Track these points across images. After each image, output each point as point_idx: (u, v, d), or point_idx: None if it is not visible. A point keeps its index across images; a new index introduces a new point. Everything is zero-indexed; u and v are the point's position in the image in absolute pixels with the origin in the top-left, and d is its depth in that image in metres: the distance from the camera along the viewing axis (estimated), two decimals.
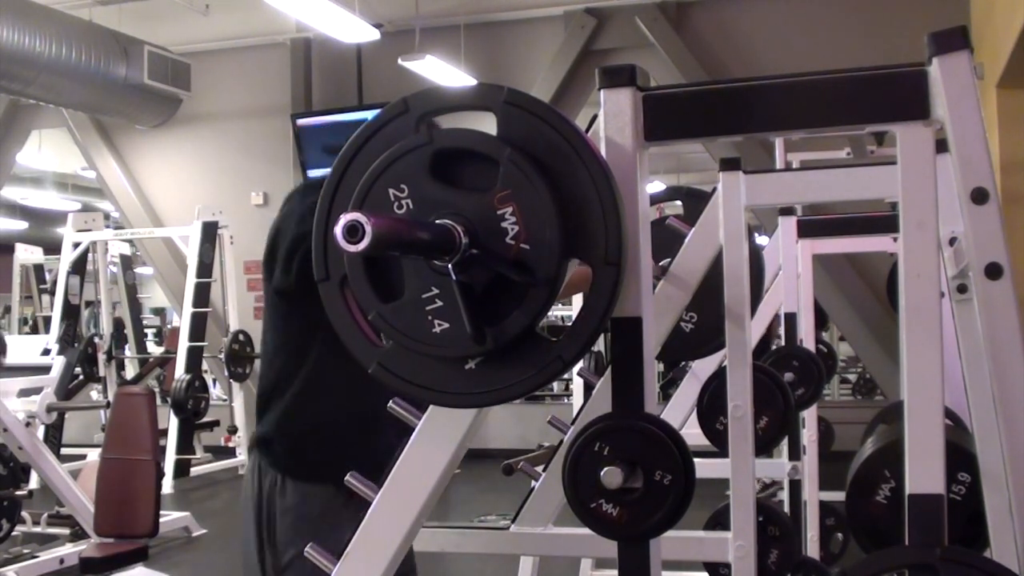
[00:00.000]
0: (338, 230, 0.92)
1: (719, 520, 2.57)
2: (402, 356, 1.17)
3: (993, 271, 1.15)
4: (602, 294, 1.10)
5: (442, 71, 8.00)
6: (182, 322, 8.15)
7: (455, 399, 1.18)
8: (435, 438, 1.33)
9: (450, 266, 1.09)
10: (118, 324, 9.77)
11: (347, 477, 1.42)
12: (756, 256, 2.68)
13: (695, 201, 2.42)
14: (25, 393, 5.26)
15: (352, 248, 0.92)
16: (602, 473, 1.10)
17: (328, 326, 1.19)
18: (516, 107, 1.13)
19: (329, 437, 2.04)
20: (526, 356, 1.13)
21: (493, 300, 1.12)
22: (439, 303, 1.13)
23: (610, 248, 1.10)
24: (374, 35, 7.72)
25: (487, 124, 1.14)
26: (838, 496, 2.13)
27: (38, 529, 5.68)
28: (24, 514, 5.39)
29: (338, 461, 1.53)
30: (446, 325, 1.13)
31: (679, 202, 2.63)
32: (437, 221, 1.10)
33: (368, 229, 0.92)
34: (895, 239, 2.61)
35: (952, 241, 1.69)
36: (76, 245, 8.34)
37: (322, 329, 1.92)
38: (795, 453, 3.30)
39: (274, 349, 2.12)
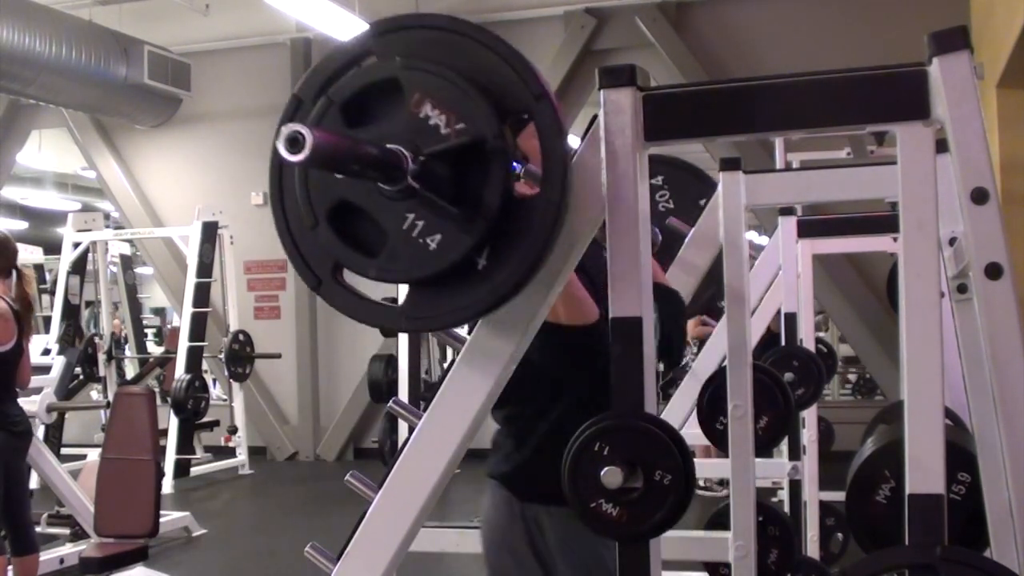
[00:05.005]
0: (280, 143, 0.95)
1: (719, 520, 2.57)
2: (420, 297, 1.19)
3: (993, 271, 1.15)
4: (551, 129, 1.15)
5: None
6: (182, 322, 8.15)
7: (486, 301, 1.18)
8: (435, 437, 1.32)
9: (412, 181, 1.12)
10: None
11: (347, 477, 1.41)
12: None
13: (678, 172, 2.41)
14: (25, 393, 5.25)
15: (293, 158, 0.94)
16: (602, 473, 1.10)
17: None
18: (389, 33, 1.19)
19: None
20: (523, 228, 1.16)
21: (464, 194, 1.14)
22: (421, 223, 1.15)
23: (531, 85, 1.15)
24: None
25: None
26: (838, 496, 2.13)
27: (38, 529, 5.67)
28: None
29: None
30: (438, 236, 1.15)
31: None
32: None
33: (309, 139, 0.94)
34: (895, 239, 2.61)
35: (952, 241, 1.69)
36: (76, 245, 8.34)
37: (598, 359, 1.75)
38: (795, 453, 3.30)
39: (538, 369, 1.70)
